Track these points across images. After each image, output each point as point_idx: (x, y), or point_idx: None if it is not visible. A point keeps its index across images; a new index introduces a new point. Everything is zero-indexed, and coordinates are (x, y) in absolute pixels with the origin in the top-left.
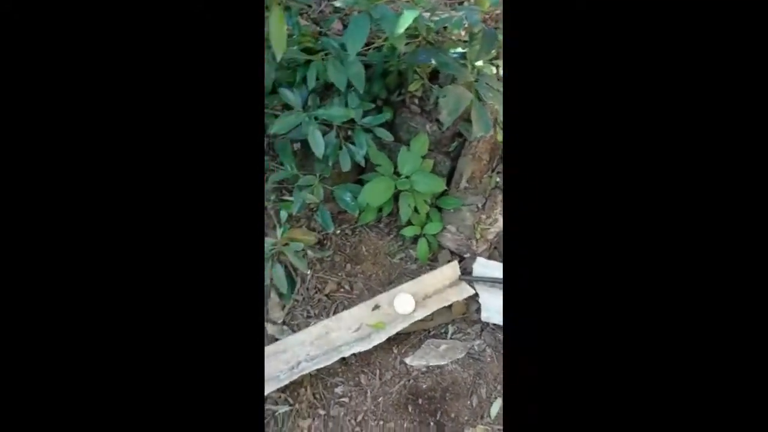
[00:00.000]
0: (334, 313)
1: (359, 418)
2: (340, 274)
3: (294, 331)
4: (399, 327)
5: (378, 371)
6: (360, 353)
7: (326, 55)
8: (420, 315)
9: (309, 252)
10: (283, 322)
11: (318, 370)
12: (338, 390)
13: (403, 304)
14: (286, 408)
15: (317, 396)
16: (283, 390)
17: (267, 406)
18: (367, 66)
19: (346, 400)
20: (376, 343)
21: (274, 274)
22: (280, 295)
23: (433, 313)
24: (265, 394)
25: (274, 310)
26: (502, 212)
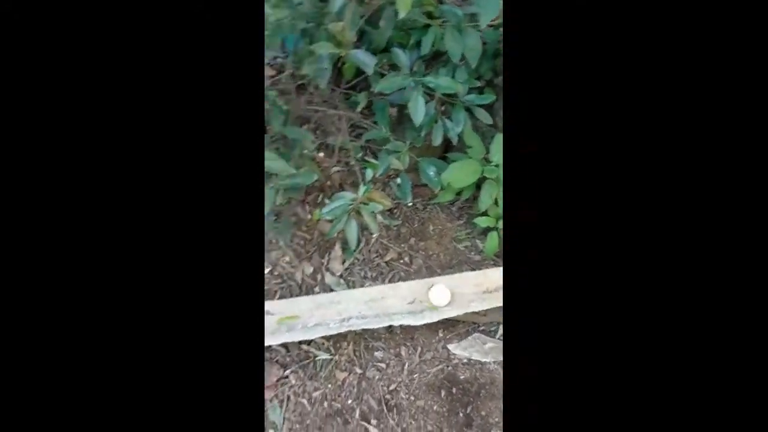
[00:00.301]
0: (390, 281)
1: (392, 386)
2: (402, 245)
3: (349, 287)
4: (452, 313)
5: (420, 348)
6: (407, 326)
7: (443, 23)
8: (476, 307)
9: (378, 216)
10: (340, 276)
11: (363, 329)
12: (378, 354)
13: (438, 295)
14: (327, 356)
15: (357, 354)
16: (327, 338)
17: (309, 349)
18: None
19: (383, 365)
20: (426, 321)
21: (347, 228)
22: (344, 249)
23: (488, 310)
24: (312, 338)
25: (334, 262)
26: None
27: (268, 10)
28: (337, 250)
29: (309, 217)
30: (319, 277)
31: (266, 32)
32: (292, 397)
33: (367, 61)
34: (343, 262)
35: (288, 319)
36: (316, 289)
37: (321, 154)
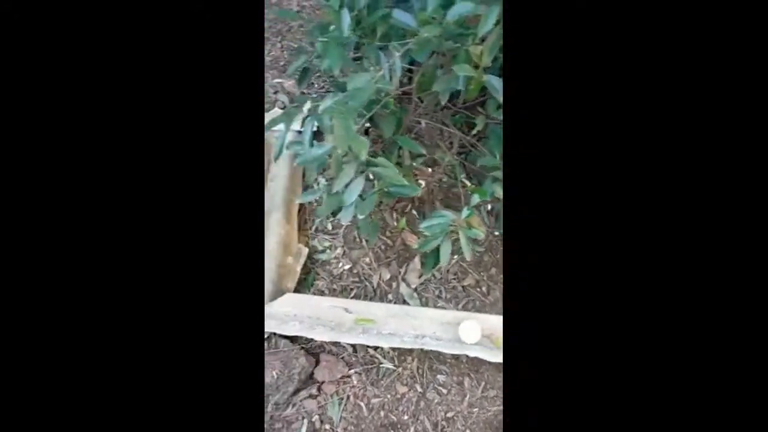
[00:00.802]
0: (463, 307)
1: (450, 414)
2: (482, 273)
3: (421, 302)
4: None
5: (484, 383)
6: (475, 358)
7: None
8: None
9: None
10: (415, 289)
11: (430, 349)
12: (440, 378)
13: (468, 332)
14: (391, 367)
15: (420, 371)
16: (393, 349)
17: (375, 355)
18: None
19: (444, 390)
20: (501, 360)
21: (442, 248)
22: (422, 263)
23: None
24: (386, 346)
25: (411, 274)
26: None
27: (417, 26)
28: (416, 262)
29: (395, 224)
30: (394, 285)
31: (413, 46)
32: (351, 398)
33: (499, 87)
34: (420, 276)
35: (364, 321)
36: (390, 296)
37: (428, 168)
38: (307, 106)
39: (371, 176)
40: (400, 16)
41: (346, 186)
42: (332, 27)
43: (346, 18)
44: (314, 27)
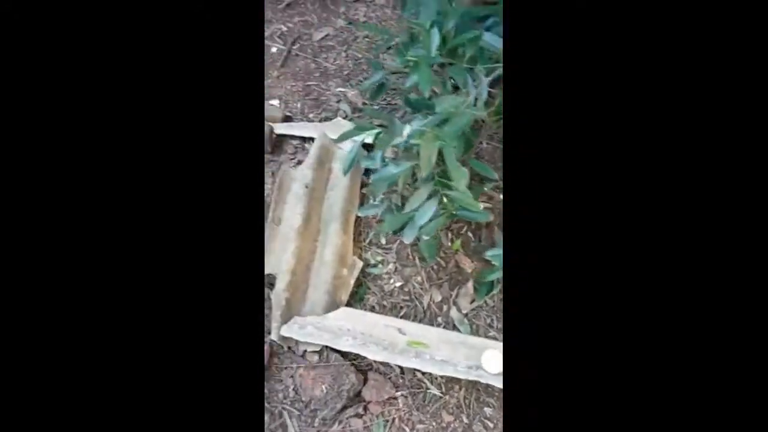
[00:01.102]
0: None
1: None
2: None
3: (471, 329)
4: None
5: None
6: None
7: None
8: None
9: None
10: (466, 315)
11: (477, 381)
12: (487, 411)
13: (491, 361)
14: (438, 393)
15: (467, 402)
16: (441, 375)
17: (422, 379)
18: None
19: (490, 424)
20: None
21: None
22: (475, 289)
23: None
24: (437, 373)
25: (463, 298)
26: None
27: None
28: (469, 287)
29: (449, 244)
30: (444, 307)
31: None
32: (396, 421)
33: None
34: (472, 302)
35: (417, 345)
36: (439, 319)
37: (495, 192)
38: (407, 131)
39: (444, 199)
40: (490, 39)
41: (419, 207)
42: (416, 45)
43: (436, 38)
44: (403, 43)
